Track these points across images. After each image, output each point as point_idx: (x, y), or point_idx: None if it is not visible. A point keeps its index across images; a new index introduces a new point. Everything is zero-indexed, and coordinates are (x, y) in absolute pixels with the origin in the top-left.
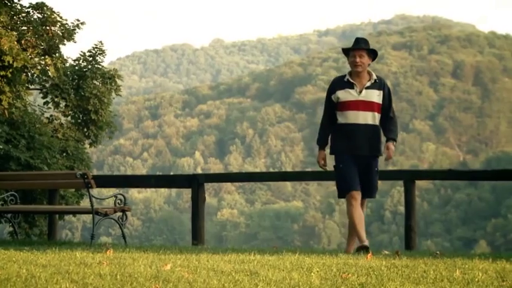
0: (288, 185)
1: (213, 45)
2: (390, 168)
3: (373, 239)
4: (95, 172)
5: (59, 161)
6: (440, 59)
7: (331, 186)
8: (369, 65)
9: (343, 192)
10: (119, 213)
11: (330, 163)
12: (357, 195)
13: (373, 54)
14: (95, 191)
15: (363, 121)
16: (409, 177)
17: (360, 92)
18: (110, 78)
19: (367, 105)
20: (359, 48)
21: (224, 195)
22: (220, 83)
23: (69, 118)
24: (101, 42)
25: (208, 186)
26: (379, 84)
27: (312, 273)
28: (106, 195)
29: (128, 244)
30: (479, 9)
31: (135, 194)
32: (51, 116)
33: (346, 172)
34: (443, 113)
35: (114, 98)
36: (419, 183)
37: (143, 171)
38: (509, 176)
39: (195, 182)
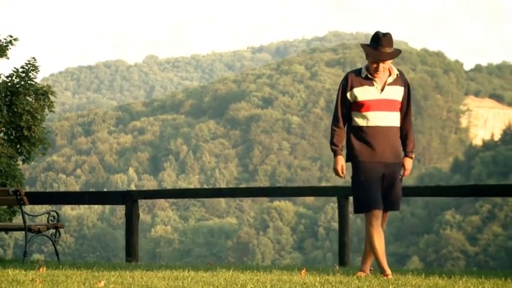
0: (222, 202)
1: (146, 61)
2: (324, 184)
3: (307, 255)
4: (28, 189)
5: None
6: None
7: (265, 202)
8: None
9: (363, 208)
10: (52, 230)
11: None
12: (379, 214)
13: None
14: (27, 208)
15: (385, 123)
16: (342, 194)
17: (382, 89)
18: (43, 94)
19: (390, 105)
20: (385, 59)
21: (158, 212)
22: (154, 100)
23: (1, 134)
24: (34, 58)
25: (142, 203)
26: (401, 80)
27: None
28: (39, 212)
29: (61, 261)
30: (412, 27)
31: (68, 210)
32: None
33: (368, 187)
34: None
35: (47, 115)
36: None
37: (76, 188)
38: (442, 192)
39: (128, 199)
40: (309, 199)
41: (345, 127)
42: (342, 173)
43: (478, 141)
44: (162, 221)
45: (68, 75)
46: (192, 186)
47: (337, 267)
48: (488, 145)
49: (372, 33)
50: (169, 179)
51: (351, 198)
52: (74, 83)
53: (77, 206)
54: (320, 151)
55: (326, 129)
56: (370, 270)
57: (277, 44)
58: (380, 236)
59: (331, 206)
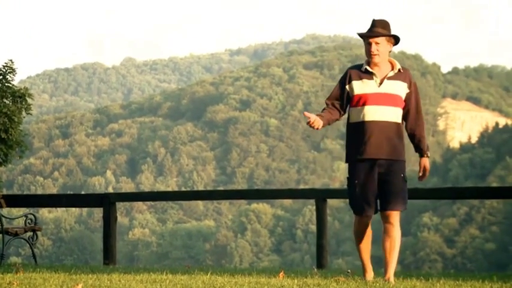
0: (200, 204)
1: (124, 64)
2: (302, 186)
3: (285, 257)
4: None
5: None
6: None
7: (243, 205)
8: (389, 52)
9: (353, 211)
10: (30, 233)
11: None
12: (367, 220)
13: (394, 39)
14: (4, 211)
15: (382, 118)
16: (320, 196)
17: (381, 83)
18: (20, 96)
19: (389, 99)
20: (374, 35)
21: (136, 215)
22: (131, 102)
23: None
24: (11, 60)
25: (120, 206)
26: (404, 75)
27: None
28: (16, 215)
29: (38, 264)
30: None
31: (46, 213)
32: None
33: (360, 191)
34: None
35: (24, 117)
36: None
37: (54, 191)
38: (419, 194)
39: (106, 201)
40: (287, 201)
41: (339, 114)
42: (309, 119)
43: (455, 144)
44: (139, 223)
45: (46, 77)
46: (170, 189)
47: (315, 269)
48: (465, 148)
49: (350, 35)
50: (147, 182)
51: (329, 201)
52: (51, 86)
53: (54, 208)
54: (298, 153)
55: (304, 131)
56: (347, 272)
57: (255, 47)
58: (366, 237)
59: (309, 208)
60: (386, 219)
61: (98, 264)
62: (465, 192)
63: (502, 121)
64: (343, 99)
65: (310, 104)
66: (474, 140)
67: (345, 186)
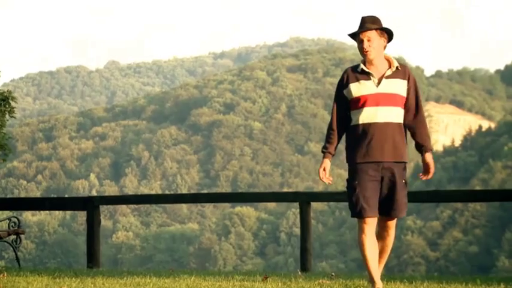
0: (184, 207)
1: (108, 67)
2: (286, 190)
3: (269, 260)
4: None
5: None
6: (335, 81)
7: (227, 208)
8: (384, 48)
9: (355, 215)
10: (13, 236)
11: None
12: (372, 221)
13: (386, 34)
14: None
15: (383, 119)
16: (304, 199)
17: (379, 82)
18: (3, 99)
19: (388, 99)
20: (364, 30)
21: (119, 218)
22: (115, 105)
23: None
24: None
25: (104, 209)
26: (402, 73)
27: None
28: None
29: (22, 267)
30: None
31: (29, 216)
32: None
33: (362, 191)
34: None
35: (7, 120)
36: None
37: (37, 194)
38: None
39: (90, 205)
40: (271, 205)
41: (345, 129)
42: (325, 176)
43: (438, 147)
44: (123, 227)
45: (29, 80)
46: (153, 192)
47: (299, 272)
48: (448, 151)
49: (333, 39)
50: (131, 185)
51: (312, 204)
52: (34, 89)
53: (37, 212)
54: (282, 157)
55: (288, 134)
56: (331, 275)
57: (238, 50)
58: (373, 245)
59: (292, 211)
60: (384, 226)
61: (82, 267)
62: (448, 196)
63: (485, 124)
64: (345, 106)
65: (294, 107)
66: (457, 143)
67: (329, 189)
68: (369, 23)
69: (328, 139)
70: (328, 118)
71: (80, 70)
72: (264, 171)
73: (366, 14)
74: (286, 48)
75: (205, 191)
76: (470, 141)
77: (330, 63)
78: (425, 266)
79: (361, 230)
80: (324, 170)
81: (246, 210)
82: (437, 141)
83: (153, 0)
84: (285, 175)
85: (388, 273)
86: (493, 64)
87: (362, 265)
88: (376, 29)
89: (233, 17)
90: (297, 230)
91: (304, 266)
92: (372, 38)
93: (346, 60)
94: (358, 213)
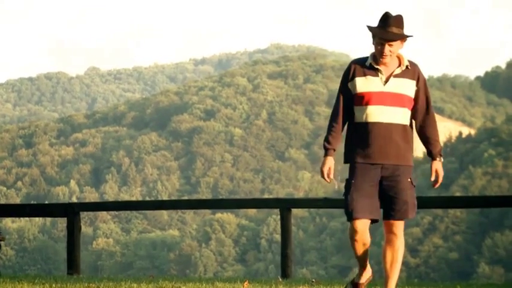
0: (164, 214)
1: (88, 73)
2: (266, 196)
3: (249, 267)
4: None
5: None
6: (316, 88)
7: (208, 214)
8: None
9: (347, 216)
10: None
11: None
12: (362, 225)
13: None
14: None
15: (388, 119)
16: (285, 206)
17: (387, 81)
18: None
19: (395, 99)
20: (391, 39)
21: (100, 224)
22: (95, 112)
23: None
24: None
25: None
26: (412, 72)
27: None
28: None
29: (1, 274)
30: (353, 39)
31: (9, 223)
32: None
33: (356, 193)
34: (318, 141)
35: None
36: (295, 212)
37: (17, 201)
38: None
39: (70, 211)
40: (252, 211)
41: (346, 124)
42: (328, 176)
43: (419, 153)
44: (104, 233)
45: (9, 87)
46: (134, 199)
47: (280, 279)
48: (428, 157)
49: (314, 45)
50: (111, 192)
51: (293, 210)
52: (14, 95)
53: (17, 218)
54: (262, 163)
55: (268, 141)
56: (312, 282)
57: (219, 56)
58: (364, 247)
59: (273, 218)
60: (389, 229)
61: (62, 274)
62: (429, 202)
63: (465, 131)
64: (349, 101)
65: (275, 113)
66: None
67: (309, 196)
68: (394, 27)
69: (331, 132)
70: (309, 125)
71: (60, 76)
72: (245, 178)
73: (388, 10)
74: (266, 55)
75: (185, 198)
76: (451, 147)
77: (310, 70)
78: (405, 272)
79: (351, 232)
80: (330, 169)
81: (227, 217)
82: (417, 147)
83: (134, 7)
84: (266, 181)
85: None
86: (473, 71)
87: (342, 271)
88: (401, 39)
89: (214, 24)
90: (278, 237)
91: (285, 273)
92: (394, 44)
93: (326, 66)
94: (349, 214)
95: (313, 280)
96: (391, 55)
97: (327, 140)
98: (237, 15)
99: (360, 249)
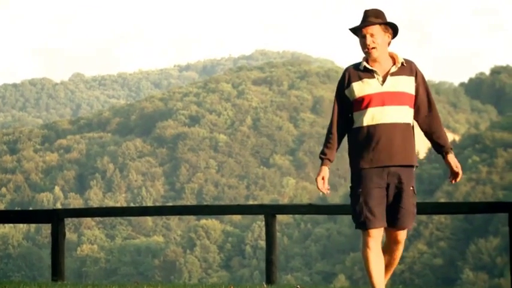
0: (149, 220)
1: (73, 79)
2: (251, 202)
3: (234, 273)
4: None
5: None
6: (300, 94)
7: (192, 220)
8: (388, 44)
9: (359, 226)
10: None
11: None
12: (377, 233)
13: (391, 28)
14: None
15: (390, 120)
16: (269, 212)
17: (384, 80)
18: None
19: (395, 98)
20: (367, 24)
21: (84, 231)
22: (80, 118)
23: None
24: None
25: (68, 222)
26: (408, 69)
27: None
28: None
29: None
30: (338, 45)
31: None
32: None
33: (366, 201)
34: (303, 148)
35: None
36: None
37: (1, 207)
38: None
39: (54, 217)
40: (236, 217)
41: (346, 134)
42: (323, 186)
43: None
44: (88, 239)
45: None
46: (118, 205)
47: (265, 285)
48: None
49: (299, 51)
50: (96, 198)
51: (278, 217)
52: None
53: (1, 224)
54: (247, 169)
55: (253, 147)
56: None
57: (204, 63)
58: (378, 259)
59: (258, 224)
60: (393, 237)
61: (46, 280)
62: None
63: (450, 137)
64: (347, 107)
65: (259, 119)
66: (422, 155)
67: (294, 202)
68: (372, 16)
69: (326, 144)
70: (294, 131)
71: (44, 82)
72: (229, 184)
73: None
74: (251, 61)
75: (170, 204)
76: (435, 153)
77: (295, 76)
78: (390, 278)
79: (365, 243)
80: (323, 179)
81: (211, 223)
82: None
83: (118, 13)
84: (250, 187)
85: (353, 286)
86: (457, 77)
87: (326, 277)
88: (380, 24)
89: (198, 30)
90: (262, 243)
91: (270, 279)
92: (376, 34)
93: (311, 73)
94: (362, 224)
95: (298, 286)
96: (376, 47)
97: (322, 152)
98: (222, 21)
99: (375, 262)
